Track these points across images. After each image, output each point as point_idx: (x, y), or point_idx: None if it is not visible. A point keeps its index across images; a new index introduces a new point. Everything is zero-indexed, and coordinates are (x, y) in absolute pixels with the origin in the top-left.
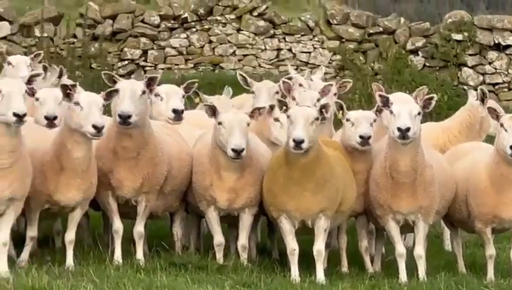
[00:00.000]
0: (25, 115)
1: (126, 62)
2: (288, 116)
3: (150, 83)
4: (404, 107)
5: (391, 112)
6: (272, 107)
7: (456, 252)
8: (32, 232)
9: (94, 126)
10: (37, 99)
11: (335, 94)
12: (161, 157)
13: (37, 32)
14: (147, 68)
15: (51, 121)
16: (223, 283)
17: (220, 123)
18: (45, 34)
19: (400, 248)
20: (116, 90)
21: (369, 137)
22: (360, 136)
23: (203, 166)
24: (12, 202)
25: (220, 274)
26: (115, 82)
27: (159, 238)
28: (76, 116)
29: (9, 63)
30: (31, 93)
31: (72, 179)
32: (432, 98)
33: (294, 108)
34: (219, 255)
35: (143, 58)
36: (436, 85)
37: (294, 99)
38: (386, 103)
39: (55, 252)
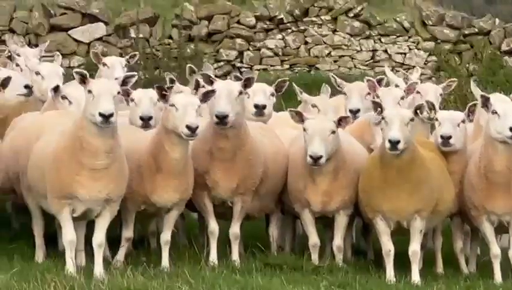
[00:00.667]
0: (111, 115)
1: (222, 63)
2: (383, 118)
3: (247, 84)
4: (510, 107)
5: (494, 112)
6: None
7: None
8: (128, 233)
9: (188, 127)
10: (132, 100)
11: (440, 94)
12: (257, 158)
13: (133, 34)
14: (243, 69)
15: (146, 121)
16: (318, 284)
17: (304, 129)
18: (141, 35)
19: (495, 249)
20: (213, 91)
21: (449, 137)
22: (441, 136)
23: (297, 169)
24: (109, 203)
25: (315, 275)
26: (211, 82)
27: (254, 239)
28: (172, 117)
29: (104, 64)
30: (126, 94)
31: (169, 180)
32: None
33: (389, 110)
34: (314, 256)
35: (239, 59)
36: None
37: (378, 97)
38: (486, 103)
39: (150, 253)
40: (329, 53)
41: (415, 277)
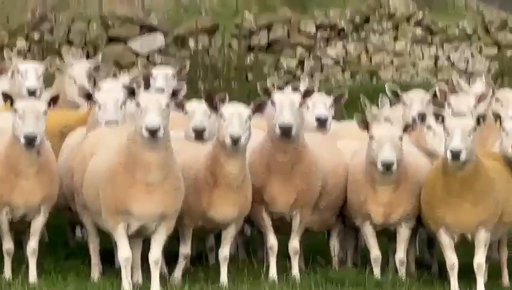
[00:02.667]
0: (157, 129)
1: (282, 73)
2: (444, 128)
3: (306, 94)
4: None
5: None
6: (423, 117)
7: None
8: (185, 249)
9: (231, 137)
10: (186, 113)
11: None
12: (315, 172)
13: (192, 44)
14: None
15: (199, 133)
16: None
17: (371, 137)
18: (200, 46)
19: None
20: (265, 103)
21: None
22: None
23: (358, 182)
24: (164, 219)
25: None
26: (269, 94)
27: (315, 253)
28: (220, 128)
29: (150, 75)
30: (181, 106)
31: (227, 195)
32: None
33: (450, 119)
34: (376, 270)
35: (299, 68)
36: None
37: (449, 105)
38: None
39: (208, 269)
40: (391, 61)
41: (481, 289)
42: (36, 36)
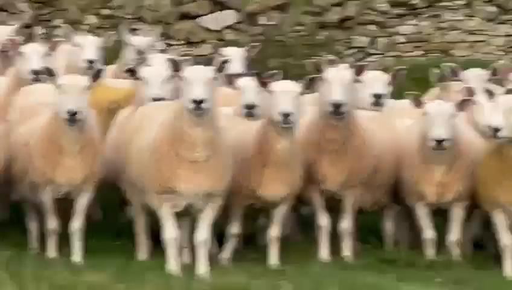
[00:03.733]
0: (201, 101)
1: (355, 50)
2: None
3: (359, 71)
4: None
5: None
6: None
7: None
8: (234, 229)
9: (282, 114)
10: (236, 88)
11: None
12: (367, 150)
13: (264, 21)
14: (376, 55)
15: (249, 110)
16: (432, 280)
17: (425, 113)
18: (272, 22)
19: None
20: (319, 78)
21: None
22: None
23: (411, 160)
24: (211, 197)
25: (430, 271)
26: (319, 71)
27: (369, 233)
28: (271, 105)
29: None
30: (229, 81)
31: (277, 173)
32: None
33: (500, 97)
34: (430, 251)
35: (372, 46)
36: None
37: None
38: None
39: (259, 250)
40: (462, 39)
41: None
42: (106, 12)
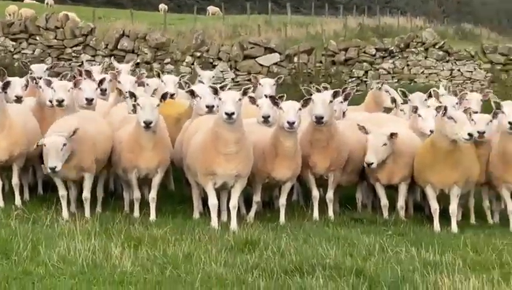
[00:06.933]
0: (231, 114)
1: (354, 79)
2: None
3: (335, 95)
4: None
5: (503, 112)
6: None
7: None
8: (257, 198)
9: (288, 122)
10: (257, 105)
11: (481, 100)
12: (343, 146)
13: (296, 60)
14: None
15: (266, 119)
16: (385, 233)
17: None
18: (301, 61)
19: (510, 206)
20: (310, 99)
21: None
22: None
23: None
24: (239, 177)
25: (384, 226)
26: (311, 94)
27: (345, 201)
28: (280, 117)
29: (259, 84)
30: (253, 100)
31: (284, 162)
32: None
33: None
34: (385, 213)
35: (365, 76)
36: None
37: (440, 102)
38: (498, 106)
39: (274, 211)
40: (422, 71)
41: (454, 227)
42: (197, 54)
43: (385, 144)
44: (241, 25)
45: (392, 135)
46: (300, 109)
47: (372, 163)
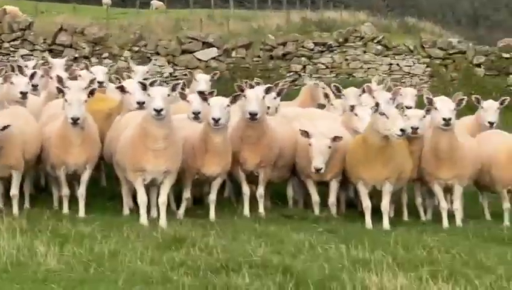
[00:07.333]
0: (159, 110)
1: (291, 73)
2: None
3: (268, 91)
4: (446, 104)
5: (435, 108)
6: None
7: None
8: (186, 194)
9: (213, 119)
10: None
11: (416, 95)
12: (274, 142)
13: (234, 54)
14: (304, 76)
15: (196, 115)
16: (315, 230)
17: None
18: (239, 56)
19: (443, 203)
20: (242, 96)
21: (417, 128)
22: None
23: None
24: (168, 173)
25: (315, 223)
26: (242, 90)
27: (276, 197)
28: (208, 113)
29: (194, 79)
30: (183, 96)
31: (214, 158)
32: (462, 100)
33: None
34: (316, 209)
35: (303, 71)
36: (492, 87)
37: (374, 97)
38: (431, 102)
39: (204, 208)
40: (361, 66)
41: (385, 224)
42: (135, 49)
43: (329, 147)
44: (183, 19)
45: (336, 138)
46: (228, 106)
47: (321, 168)
